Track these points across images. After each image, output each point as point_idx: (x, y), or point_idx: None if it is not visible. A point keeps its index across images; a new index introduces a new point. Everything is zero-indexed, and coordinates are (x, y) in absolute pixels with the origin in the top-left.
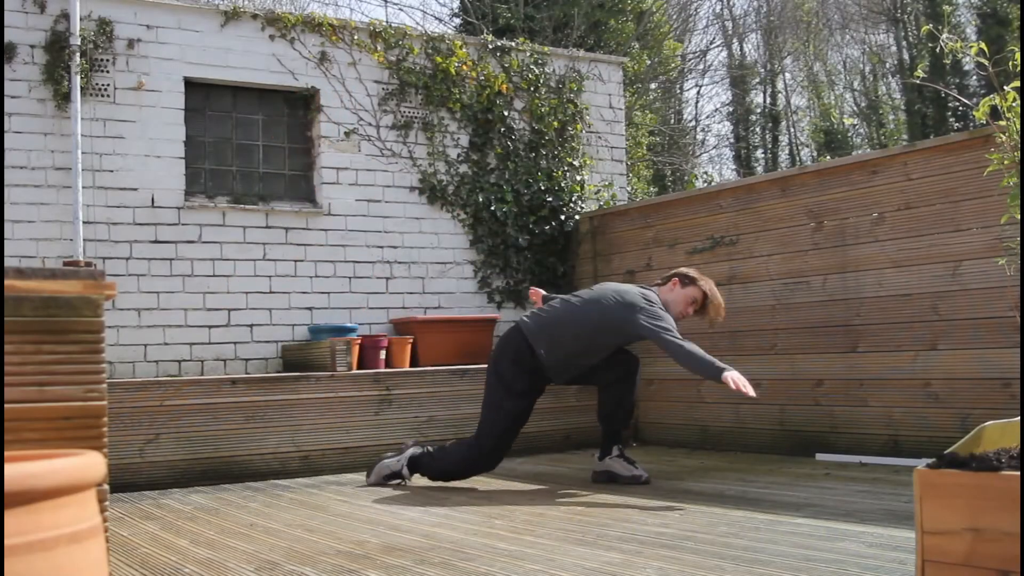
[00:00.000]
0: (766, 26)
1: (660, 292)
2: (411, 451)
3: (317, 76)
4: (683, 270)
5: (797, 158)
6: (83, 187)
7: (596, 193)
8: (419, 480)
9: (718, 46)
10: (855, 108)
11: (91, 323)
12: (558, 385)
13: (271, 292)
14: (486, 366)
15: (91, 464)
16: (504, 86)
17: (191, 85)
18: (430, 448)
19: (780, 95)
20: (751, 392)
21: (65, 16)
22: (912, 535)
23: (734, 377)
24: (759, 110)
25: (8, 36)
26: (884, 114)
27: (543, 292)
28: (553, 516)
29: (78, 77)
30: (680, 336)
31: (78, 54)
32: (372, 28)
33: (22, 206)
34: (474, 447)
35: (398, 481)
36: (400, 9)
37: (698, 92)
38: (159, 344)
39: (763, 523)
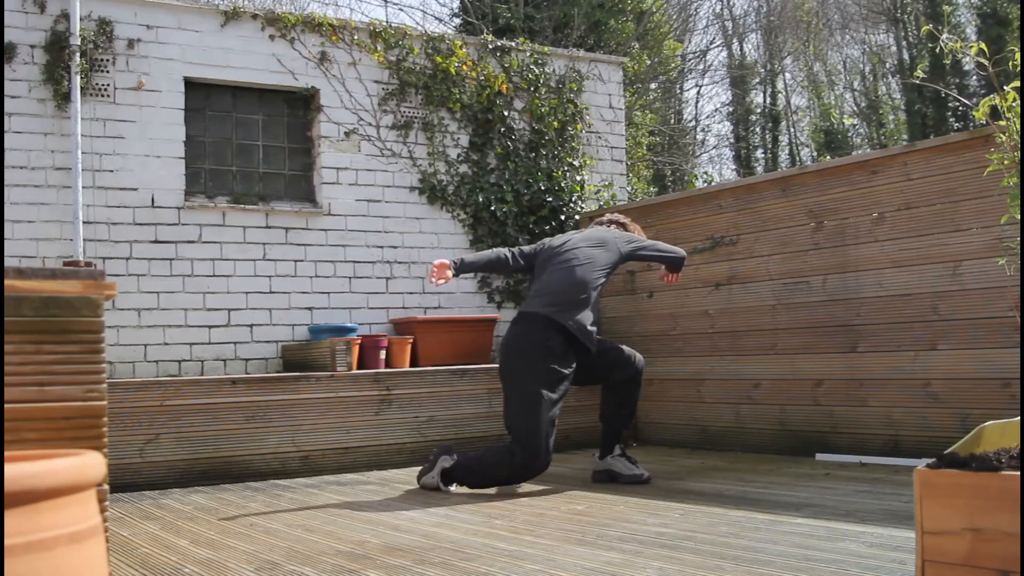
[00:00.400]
0: (766, 26)
1: None
2: (440, 464)
3: (317, 76)
4: (613, 216)
5: (797, 158)
6: (83, 187)
7: (596, 193)
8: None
9: (718, 46)
10: (855, 108)
11: (91, 323)
12: (588, 354)
13: (271, 292)
14: (502, 367)
15: (91, 464)
16: (504, 86)
17: (191, 85)
18: (456, 457)
19: (780, 95)
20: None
21: (65, 16)
22: (912, 535)
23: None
24: (759, 110)
25: (8, 36)
26: (884, 114)
27: (448, 261)
28: (553, 516)
29: (78, 77)
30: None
31: (78, 54)
32: (372, 28)
33: (22, 206)
34: (525, 454)
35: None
36: (400, 9)
37: (698, 92)
38: (159, 344)
39: (763, 523)
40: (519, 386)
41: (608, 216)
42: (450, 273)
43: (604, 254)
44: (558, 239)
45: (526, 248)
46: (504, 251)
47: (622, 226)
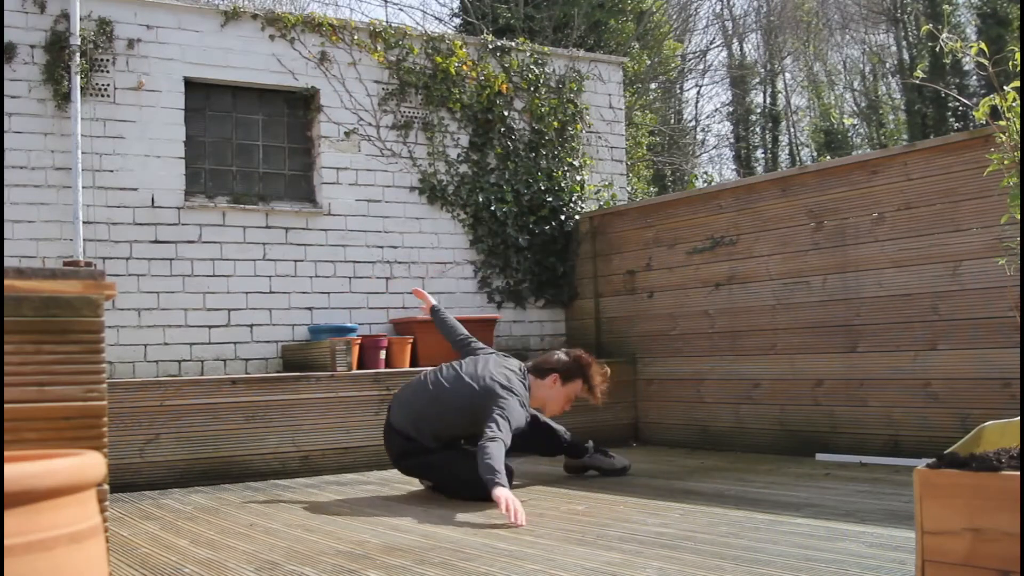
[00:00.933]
0: (766, 26)
1: (535, 386)
2: (426, 482)
3: (317, 76)
4: (565, 364)
5: (797, 158)
6: (83, 187)
7: (596, 193)
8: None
9: (718, 46)
10: (855, 108)
11: (91, 323)
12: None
13: (271, 292)
14: (405, 471)
15: (91, 464)
16: (504, 86)
17: (191, 85)
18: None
19: (780, 95)
20: (520, 520)
21: (65, 16)
22: (912, 535)
23: (506, 497)
24: (759, 110)
25: (8, 36)
26: (884, 114)
27: (432, 301)
28: (553, 516)
29: (78, 77)
30: (504, 437)
31: (78, 54)
32: (372, 28)
33: (22, 206)
34: (466, 487)
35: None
36: (400, 9)
37: (698, 92)
38: (159, 344)
39: (763, 523)
40: (430, 466)
41: (559, 365)
42: (426, 309)
43: (477, 399)
44: (486, 356)
45: (473, 342)
46: (465, 333)
47: (571, 376)
